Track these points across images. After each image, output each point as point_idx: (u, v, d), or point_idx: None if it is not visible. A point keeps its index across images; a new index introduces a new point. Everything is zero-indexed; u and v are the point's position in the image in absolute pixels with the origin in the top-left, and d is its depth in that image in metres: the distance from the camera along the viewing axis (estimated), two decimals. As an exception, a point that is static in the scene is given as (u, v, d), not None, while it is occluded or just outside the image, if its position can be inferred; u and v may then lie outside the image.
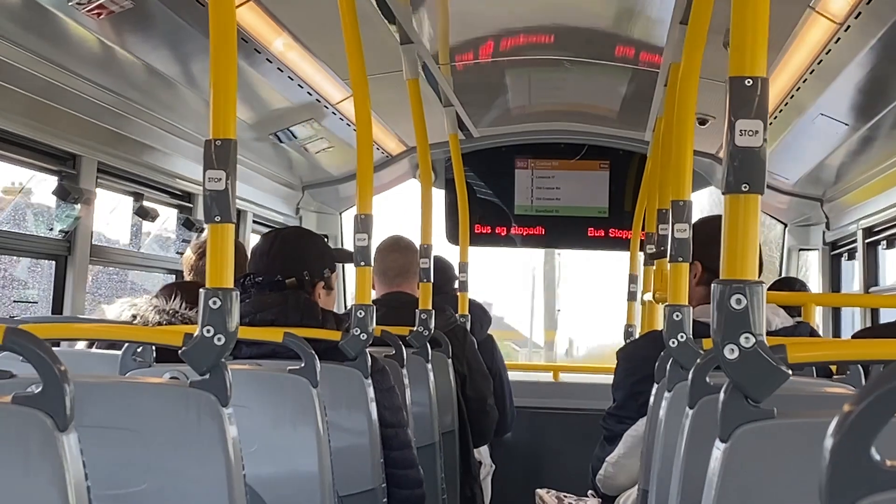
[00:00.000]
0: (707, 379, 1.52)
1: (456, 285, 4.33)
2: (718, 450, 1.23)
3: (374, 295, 3.52)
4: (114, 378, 1.79)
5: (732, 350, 1.27)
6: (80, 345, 2.74)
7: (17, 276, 3.45)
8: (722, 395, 1.24)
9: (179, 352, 1.59)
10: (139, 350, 2.31)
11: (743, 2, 1.24)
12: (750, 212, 1.17)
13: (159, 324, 2.64)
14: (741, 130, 1.16)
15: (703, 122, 4.28)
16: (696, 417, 1.48)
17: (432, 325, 3.25)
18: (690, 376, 1.55)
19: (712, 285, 1.24)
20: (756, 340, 1.23)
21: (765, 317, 1.29)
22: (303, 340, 2.21)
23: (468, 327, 3.95)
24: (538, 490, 3.46)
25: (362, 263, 2.72)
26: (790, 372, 1.14)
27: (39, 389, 1.09)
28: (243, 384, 2.08)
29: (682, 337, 2.19)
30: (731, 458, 1.19)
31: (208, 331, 1.55)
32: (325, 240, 3.20)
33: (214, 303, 1.55)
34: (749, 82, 1.18)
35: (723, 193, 1.21)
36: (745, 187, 1.16)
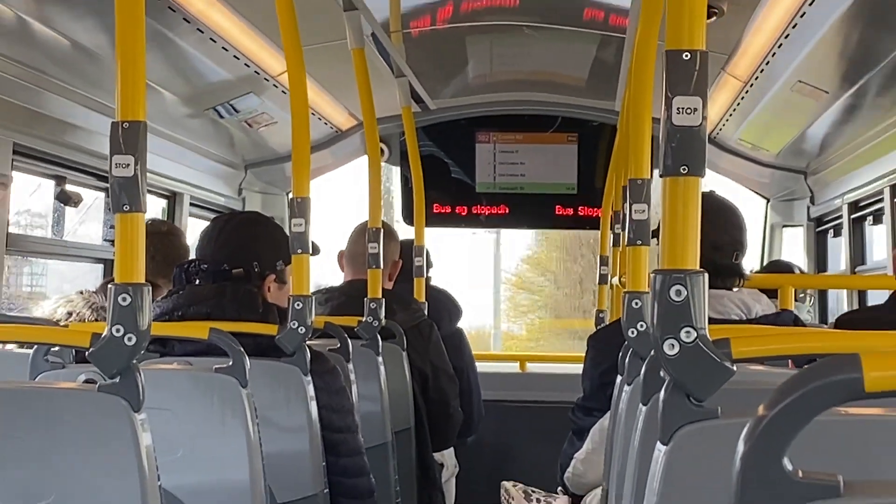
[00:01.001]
0: (662, 373, 1.43)
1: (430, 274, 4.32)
2: (660, 452, 1.23)
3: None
4: (16, 383, 1.74)
5: (672, 345, 1.27)
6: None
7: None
8: (662, 393, 1.24)
9: (87, 354, 1.54)
10: (54, 350, 2.28)
11: None
12: (690, 196, 1.15)
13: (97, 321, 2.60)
14: (678, 108, 1.13)
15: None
16: (650, 415, 1.44)
17: (382, 315, 3.21)
18: (643, 371, 1.53)
19: (651, 275, 1.23)
20: (698, 334, 1.22)
21: (706, 309, 1.27)
22: (229, 336, 2.17)
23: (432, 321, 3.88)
24: (504, 483, 3.41)
25: (299, 251, 2.63)
26: (734, 368, 1.12)
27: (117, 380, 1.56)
28: (166, 385, 2.18)
29: (641, 326, 2.18)
30: (672, 461, 1.20)
31: (118, 330, 1.50)
32: (272, 220, 3.11)
33: (124, 299, 1.51)
34: (687, 56, 1.15)
35: (660, 176, 1.19)
36: (685, 169, 1.14)
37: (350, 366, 2.88)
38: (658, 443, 1.25)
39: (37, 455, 1.55)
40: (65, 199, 3.51)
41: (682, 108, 1.14)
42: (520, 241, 7.87)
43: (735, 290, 2.54)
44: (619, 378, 2.38)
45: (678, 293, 1.14)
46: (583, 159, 5.30)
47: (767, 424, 0.71)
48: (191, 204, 4.63)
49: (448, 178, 5.41)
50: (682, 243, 1.17)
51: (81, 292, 3.00)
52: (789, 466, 0.62)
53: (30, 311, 3.51)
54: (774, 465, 0.65)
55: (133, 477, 1.52)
